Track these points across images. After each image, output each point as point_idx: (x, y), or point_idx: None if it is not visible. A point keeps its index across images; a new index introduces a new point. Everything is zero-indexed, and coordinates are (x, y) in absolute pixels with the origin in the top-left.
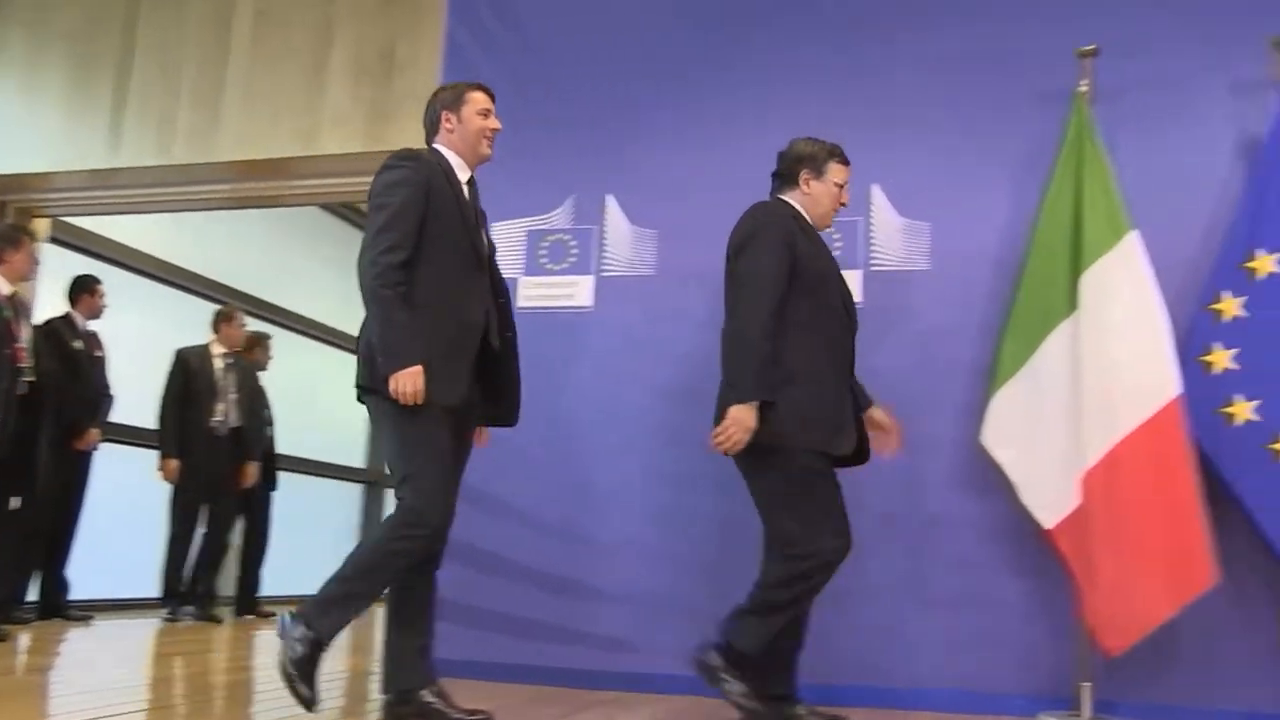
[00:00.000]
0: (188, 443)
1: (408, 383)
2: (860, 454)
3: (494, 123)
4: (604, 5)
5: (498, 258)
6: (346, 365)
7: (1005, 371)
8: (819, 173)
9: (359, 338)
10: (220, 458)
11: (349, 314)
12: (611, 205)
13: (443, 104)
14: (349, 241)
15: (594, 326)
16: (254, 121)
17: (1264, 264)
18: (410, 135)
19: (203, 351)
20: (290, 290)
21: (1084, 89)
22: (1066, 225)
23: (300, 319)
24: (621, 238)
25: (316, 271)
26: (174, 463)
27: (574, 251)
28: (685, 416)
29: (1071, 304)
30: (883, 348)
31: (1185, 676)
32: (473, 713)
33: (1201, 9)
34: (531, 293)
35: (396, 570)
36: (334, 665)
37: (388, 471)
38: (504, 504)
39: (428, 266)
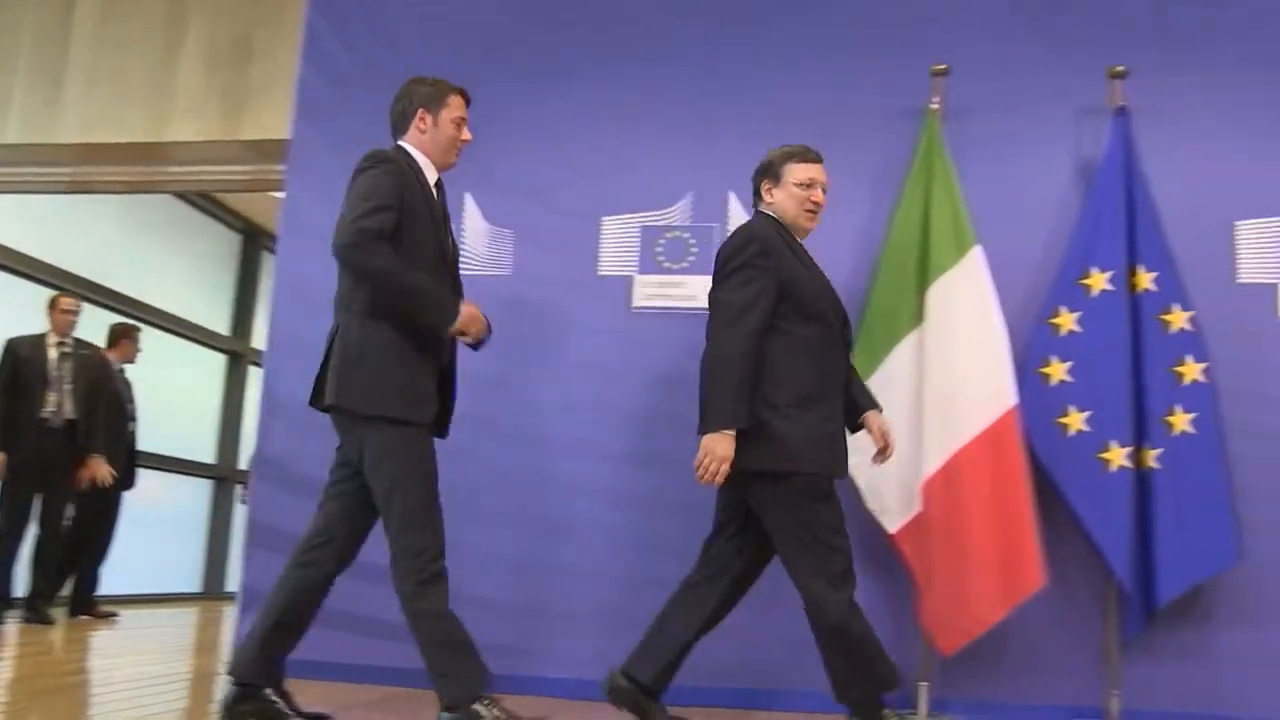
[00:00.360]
0: (17, 435)
1: (470, 326)
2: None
3: (466, 134)
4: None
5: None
6: (197, 357)
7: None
8: (776, 179)
9: (333, 349)
10: (53, 451)
11: (200, 305)
12: (469, 204)
13: (420, 100)
14: (206, 232)
15: None
16: (98, 104)
17: (1097, 281)
18: (267, 124)
19: (36, 341)
20: (141, 280)
21: (935, 107)
22: (915, 239)
23: (150, 309)
24: (478, 236)
25: (170, 262)
26: (1, 456)
27: None
28: (553, 421)
29: (918, 316)
30: None
31: (1014, 674)
32: (315, 716)
33: (1048, 38)
34: (648, 291)
35: (443, 610)
36: (179, 667)
37: (379, 501)
38: None
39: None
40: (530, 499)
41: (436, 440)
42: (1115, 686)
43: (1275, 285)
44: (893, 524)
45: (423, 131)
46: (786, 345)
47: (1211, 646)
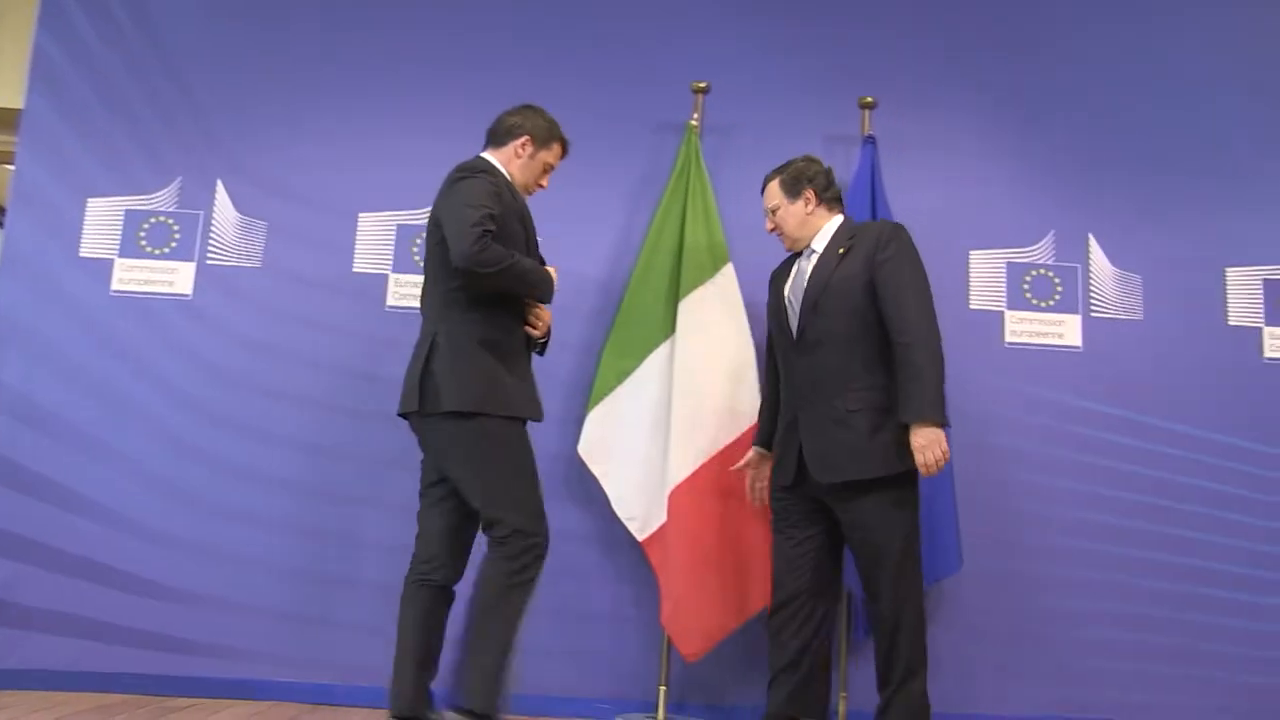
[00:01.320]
0: None
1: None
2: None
3: (546, 182)
4: None
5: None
6: None
7: (603, 389)
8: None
9: (426, 361)
10: None
11: None
12: (220, 192)
13: (532, 129)
14: None
15: (194, 317)
16: None
17: None
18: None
19: None
20: None
21: (694, 123)
22: (670, 252)
23: None
24: (227, 225)
25: None
26: None
27: (177, 236)
28: (278, 415)
29: (669, 328)
30: None
31: (744, 680)
32: None
33: (805, 66)
34: (129, 275)
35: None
36: None
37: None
38: (68, 493)
39: None
40: (257, 496)
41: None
42: (844, 689)
43: (1002, 313)
44: (641, 532)
45: (519, 156)
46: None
47: (930, 649)
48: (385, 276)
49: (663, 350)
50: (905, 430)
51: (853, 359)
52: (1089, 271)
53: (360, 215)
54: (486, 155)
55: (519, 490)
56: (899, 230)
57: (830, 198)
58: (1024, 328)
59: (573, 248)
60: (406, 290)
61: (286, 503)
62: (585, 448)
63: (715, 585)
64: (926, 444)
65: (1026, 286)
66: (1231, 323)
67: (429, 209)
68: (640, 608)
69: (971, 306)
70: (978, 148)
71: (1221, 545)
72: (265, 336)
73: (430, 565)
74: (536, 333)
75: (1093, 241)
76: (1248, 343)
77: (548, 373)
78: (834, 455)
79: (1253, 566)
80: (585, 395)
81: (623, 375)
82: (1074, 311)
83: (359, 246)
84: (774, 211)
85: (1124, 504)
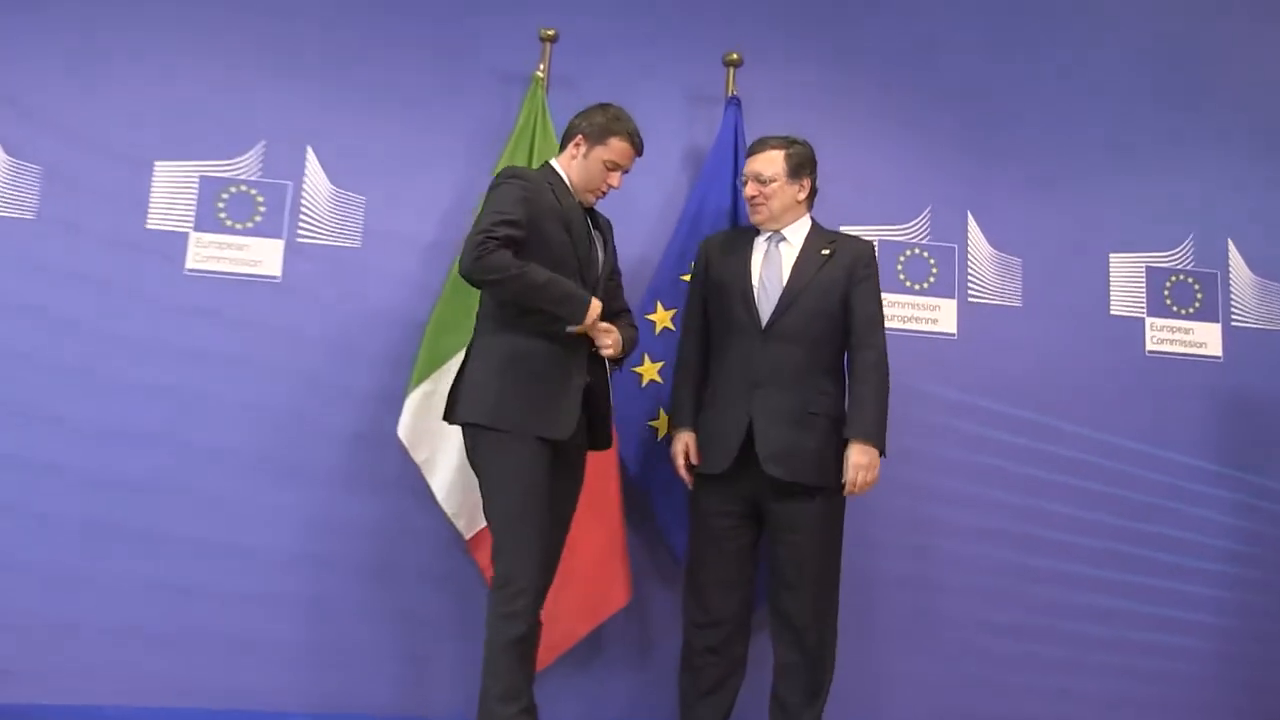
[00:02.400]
0: None
1: (593, 313)
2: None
3: (615, 181)
4: None
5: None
6: None
7: (428, 365)
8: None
9: (460, 369)
10: None
11: None
12: None
13: (585, 128)
14: None
15: None
16: None
17: None
18: None
19: None
20: None
21: (541, 74)
22: None
23: None
24: None
25: None
26: None
27: None
28: (52, 393)
29: None
30: (301, 332)
31: (605, 688)
32: None
33: (665, 17)
34: (205, 253)
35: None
36: None
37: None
38: None
39: None
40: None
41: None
42: None
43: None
44: (468, 529)
45: (574, 157)
46: (714, 343)
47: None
48: (185, 235)
49: None
50: (845, 444)
51: (817, 361)
52: (967, 253)
53: (156, 164)
54: (553, 161)
55: (517, 527)
56: (874, 253)
57: (813, 195)
58: (898, 312)
59: (399, 203)
60: (210, 252)
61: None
62: (406, 431)
63: (564, 590)
64: (866, 464)
65: (901, 268)
66: (1114, 312)
67: (242, 158)
68: (470, 615)
69: None
70: (852, 114)
71: (1089, 548)
72: (38, 300)
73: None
74: (608, 352)
75: (971, 220)
76: (1131, 334)
77: (364, 348)
78: (792, 455)
79: (1124, 570)
80: (409, 371)
81: (451, 350)
82: (949, 296)
83: (154, 200)
84: (767, 181)
85: (992, 503)
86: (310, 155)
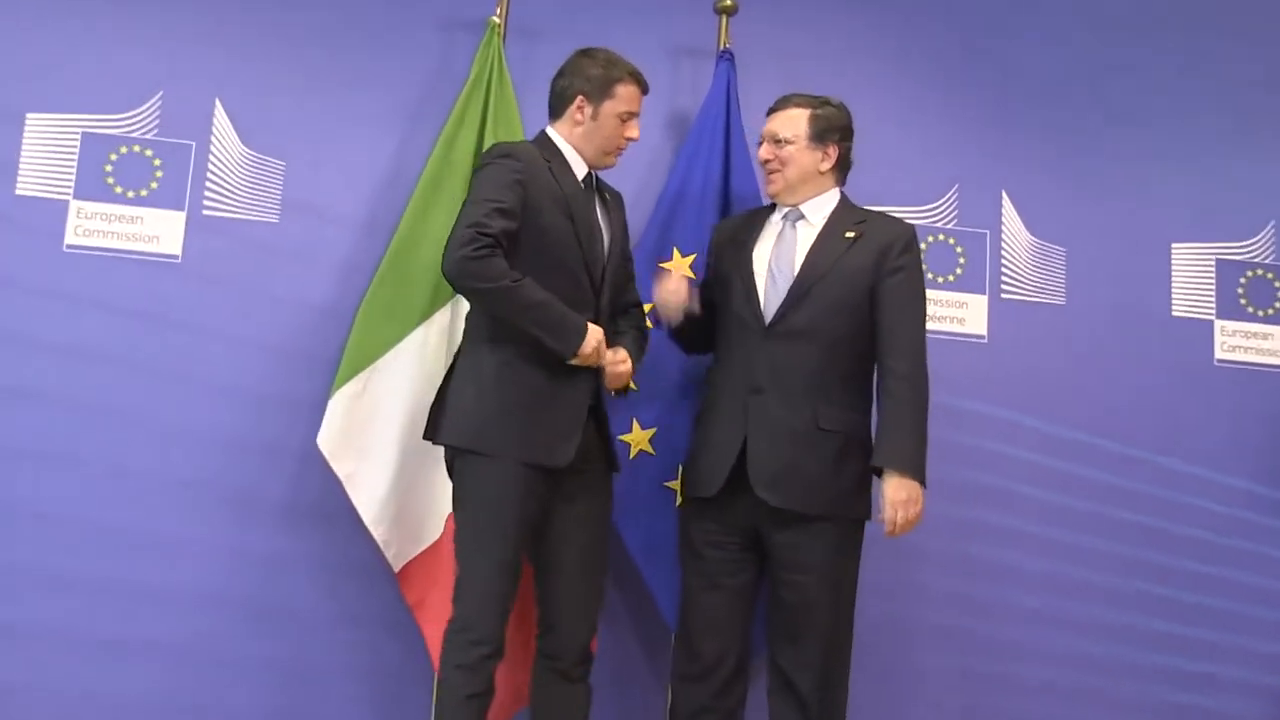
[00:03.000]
0: None
1: (590, 344)
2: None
3: (633, 131)
4: None
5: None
6: None
7: (355, 363)
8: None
9: (442, 384)
10: None
11: None
12: None
13: (583, 84)
14: None
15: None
16: None
17: (680, 265)
18: None
19: None
20: None
21: (498, 19)
22: (461, 182)
23: None
24: None
25: None
26: None
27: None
28: None
29: (450, 290)
30: (205, 323)
31: None
32: None
33: None
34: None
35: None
36: None
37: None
38: None
39: None
40: None
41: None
42: None
43: None
44: (398, 558)
45: (579, 123)
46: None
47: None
48: (64, 204)
49: (444, 314)
50: (869, 471)
51: (833, 366)
52: (1001, 240)
53: (29, 116)
54: (549, 130)
55: (483, 568)
56: (915, 237)
57: (844, 167)
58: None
59: (324, 170)
60: (95, 225)
61: None
62: (328, 439)
63: (520, 630)
64: (907, 500)
65: (922, 257)
66: (1176, 313)
67: (135, 112)
68: (396, 664)
69: None
70: (866, 73)
71: (1142, 594)
72: None
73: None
74: (617, 384)
75: (1006, 202)
76: (1197, 339)
77: (280, 342)
78: (791, 477)
79: (1187, 625)
80: (331, 371)
81: (384, 345)
82: (979, 291)
83: (25, 158)
84: (784, 143)
85: (1026, 537)
86: (218, 110)
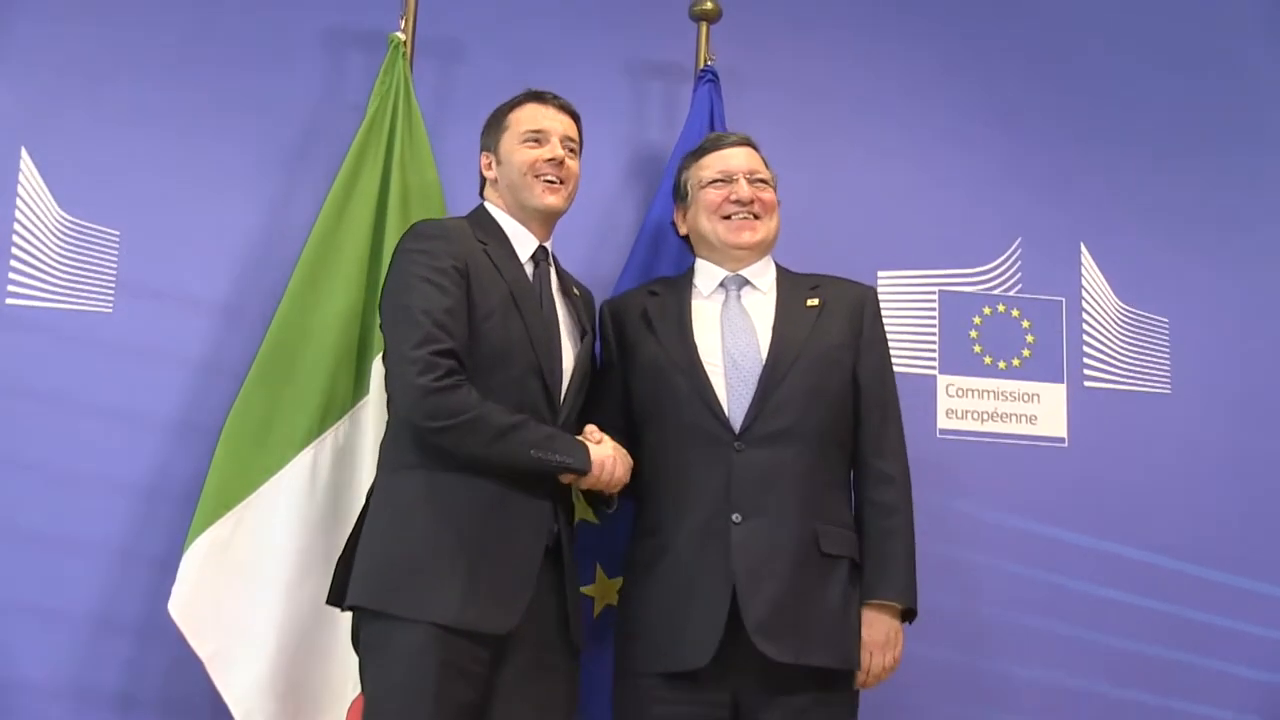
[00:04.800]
0: None
1: (608, 470)
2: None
3: (548, 150)
4: None
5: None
6: None
7: (221, 501)
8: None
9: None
10: None
11: None
12: None
13: (484, 143)
14: None
15: None
16: None
17: None
18: None
19: None
20: None
21: (402, 35)
22: (357, 259)
23: None
24: None
25: None
26: None
27: None
28: None
29: (357, 385)
30: (18, 452)
31: None
32: None
33: None
34: None
35: None
36: None
37: None
38: None
39: None
40: None
41: None
42: None
43: (932, 377)
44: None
45: (494, 181)
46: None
47: None
48: None
49: (339, 431)
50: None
51: (823, 472)
52: (1082, 310)
53: None
54: (486, 203)
55: None
56: (876, 298)
57: None
58: (973, 405)
59: (172, 241)
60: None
61: None
62: (182, 606)
63: None
64: (887, 642)
65: (975, 334)
66: None
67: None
68: None
69: None
70: (894, 94)
71: None
72: None
73: None
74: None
75: (1087, 259)
76: None
77: (115, 472)
78: (802, 622)
79: None
80: (185, 514)
81: (260, 476)
82: (1055, 379)
83: None
84: (767, 185)
85: (1121, 704)
86: (26, 162)
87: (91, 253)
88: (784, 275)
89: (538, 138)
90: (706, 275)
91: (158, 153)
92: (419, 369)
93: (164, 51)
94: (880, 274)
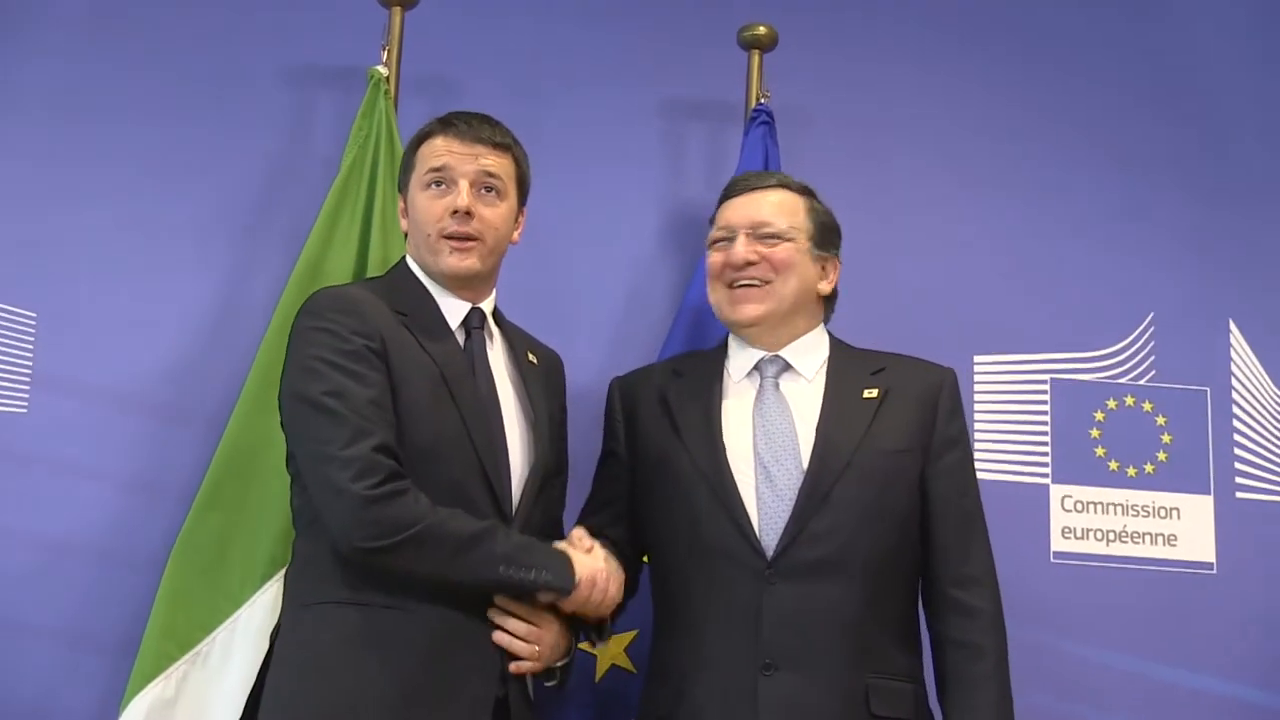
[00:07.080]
0: None
1: (600, 587)
2: None
3: (454, 197)
4: None
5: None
6: None
7: (163, 653)
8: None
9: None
10: None
11: None
12: None
13: (399, 180)
14: None
15: None
16: None
17: None
18: None
19: None
20: None
21: (384, 69)
22: None
23: None
24: None
25: None
26: None
27: None
28: None
29: None
30: None
31: None
32: None
33: None
34: None
35: None
36: None
37: None
38: None
39: None
40: None
41: None
42: None
43: (1046, 486)
44: None
45: (408, 232)
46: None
47: None
48: None
49: None
50: None
51: (879, 610)
52: (1232, 403)
53: None
54: (407, 258)
55: None
56: (955, 382)
57: (833, 300)
58: (1093, 521)
59: (101, 327)
60: None
61: None
62: None
63: None
64: None
65: (1097, 434)
66: None
67: None
68: None
69: (982, 476)
70: (985, 138)
71: None
72: None
73: None
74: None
75: (1239, 341)
76: None
77: (34, 618)
78: None
79: None
80: (123, 669)
81: (211, 621)
82: (1200, 490)
83: None
84: (776, 239)
85: None
86: None
87: (2, 339)
88: (840, 355)
89: (439, 178)
90: (739, 356)
91: (84, 218)
92: (353, 473)
93: (94, 95)
94: (977, 359)
